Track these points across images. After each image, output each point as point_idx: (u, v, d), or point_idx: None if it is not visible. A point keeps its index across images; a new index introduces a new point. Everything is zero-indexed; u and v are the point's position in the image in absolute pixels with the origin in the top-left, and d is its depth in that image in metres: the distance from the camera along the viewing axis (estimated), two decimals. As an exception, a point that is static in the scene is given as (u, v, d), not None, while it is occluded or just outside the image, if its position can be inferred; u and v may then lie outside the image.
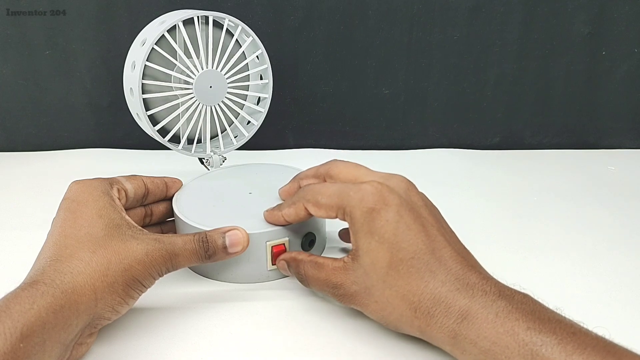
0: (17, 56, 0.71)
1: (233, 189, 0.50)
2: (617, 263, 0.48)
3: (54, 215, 0.38)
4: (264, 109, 0.57)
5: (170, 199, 0.48)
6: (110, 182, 0.41)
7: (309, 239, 0.45)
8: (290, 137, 0.77)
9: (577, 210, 0.58)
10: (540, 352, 0.28)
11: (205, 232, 0.40)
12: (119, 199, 0.40)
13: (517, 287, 0.33)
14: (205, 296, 0.43)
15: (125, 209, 0.42)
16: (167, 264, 0.37)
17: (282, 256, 0.42)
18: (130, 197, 0.42)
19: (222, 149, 0.56)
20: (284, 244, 0.43)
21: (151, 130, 0.51)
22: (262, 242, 0.43)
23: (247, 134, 0.57)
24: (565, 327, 0.29)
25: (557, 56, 0.73)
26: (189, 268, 0.46)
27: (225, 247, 0.39)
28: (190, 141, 0.55)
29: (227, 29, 0.53)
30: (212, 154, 0.55)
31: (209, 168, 0.55)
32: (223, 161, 0.56)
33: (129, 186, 0.42)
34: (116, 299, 0.34)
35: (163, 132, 0.52)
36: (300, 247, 0.45)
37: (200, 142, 0.56)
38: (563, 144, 0.78)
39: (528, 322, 0.30)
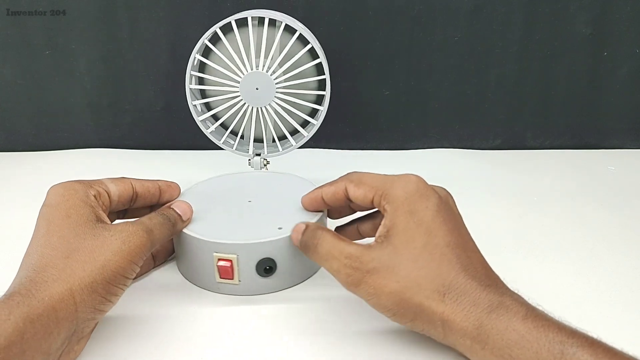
0: (17, 56, 0.71)
1: (233, 197, 0.49)
2: (617, 263, 0.47)
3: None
4: (317, 121, 0.55)
5: (160, 205, 0.46)
6: (92, 183, 0.40)
7: (265, 265, 0.41)
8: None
9: (577, 210, 0.58)
10: (571, 352, 0.28)
11: (160, 208, 0.42)
12: (95, 197, 0.38)
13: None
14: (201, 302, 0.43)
15: (110, 211, 0.41)
16: (147, 243, 0.37)
17: (300, 225, 0.40)
18: (115, 200, 0.41)
19: (266, 152, 0.56)
20: (231, 260, 0.41)
21: (198, 121, 0.54)
22: (210, 251, 0.41)
23: (295, 144, 0.56)
24: (594, 339, 0.29)
25: (559, 57, 0.73)
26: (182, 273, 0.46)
27: (180, 215, 0.42)
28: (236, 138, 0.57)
29: (296, 35, 0.53)
30: (253, 155, 0.56)
31: (252, 168, 0.56)
32: (265, 164, 0.56)
33: (113, 188, 0.41)
34: (97, 298, 0.33)
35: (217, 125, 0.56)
36: (255, 273, 0.42)
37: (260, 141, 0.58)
38: (565, 145, 0.78)
39: (559, 325, 0.30)
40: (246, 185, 0.51)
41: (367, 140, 0.78)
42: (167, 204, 0.43)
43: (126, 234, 0.36)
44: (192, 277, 0.45)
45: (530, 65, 0.73)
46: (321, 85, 0.56)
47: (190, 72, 0.52)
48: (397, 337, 0.38)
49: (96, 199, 0.38)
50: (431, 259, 0.34)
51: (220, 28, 0.52)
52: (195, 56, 0.52)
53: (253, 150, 0.56)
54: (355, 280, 0.35)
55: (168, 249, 0.47)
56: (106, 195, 0.40)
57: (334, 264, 0.36)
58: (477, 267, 0.34)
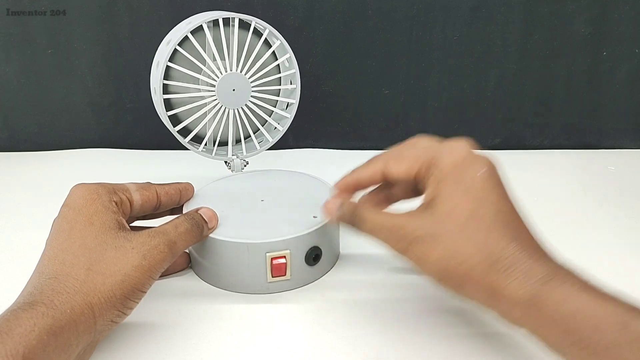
0: (19, 56, 0.72)
1: (245, 196, 0.49)
2: (617, 263, 0.47)
3: (53, 221, 0.37)
4: (290, 114, 0.56)
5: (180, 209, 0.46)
6: (116, 189, 0.39)
7: (313, 253, 0.43)
8: (290, 137, 0.77)
9: (577, 211, 0.58)
10: (633, 324, 0.27)
11: (188, 212, 0.41)
12: (117, 203, 0.38)
13: None
14: (209, 303, 0.43)
15: (130, 217, 0.41)
16: (167, 258, 0.36)
17: (334, 200, 0.39)
18: (136, 209, 0.41)
19: (245, 153, 0.56)
20: (284, 256, 0.42)
21: (172, 130, 0.51)
22: (262, 252, 0.42)
23: (272, 139, 0.57)
24: None
25: (558, 57, 0.73)
26: (196, 274, 0.46)
27: (206, 222, 0.41)
28: (213, 144, 0.55)
29: (254, 30, 0.52)
30: (233, 157, 0.55)
31: (232, 171, 0.55)
32: (245, 165, 0.56)
33: (136, 197, 0.40)
34: (114, 312, 0.33)
35: (186, 132, 0.52)
36: (303, 262, 0.43)
37: (224, 145, 0.56)
38: (564, 145, 0.78)
39: (616, 299, 0.29)
40: (249, 186, 0.51)
41: (367, 139, 0.78)
42: (195, 209, 0.42)
43: (147, 248, 0.35)
44: (234, 284, 0.44)
45: (530, 65, 0.73)
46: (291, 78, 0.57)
47: (164, 82, 0.50)
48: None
49: (117, 205, 0.38)
50: (479, 229, 0.32)
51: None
52: (168, 64, 0.49)
53: (232, 153, 0.55)
54: (402, 249, 0.35)
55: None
56: (128, 204, 0.40)
57: (380, 236, 0.36)
58: (528, 237, 0.33)
